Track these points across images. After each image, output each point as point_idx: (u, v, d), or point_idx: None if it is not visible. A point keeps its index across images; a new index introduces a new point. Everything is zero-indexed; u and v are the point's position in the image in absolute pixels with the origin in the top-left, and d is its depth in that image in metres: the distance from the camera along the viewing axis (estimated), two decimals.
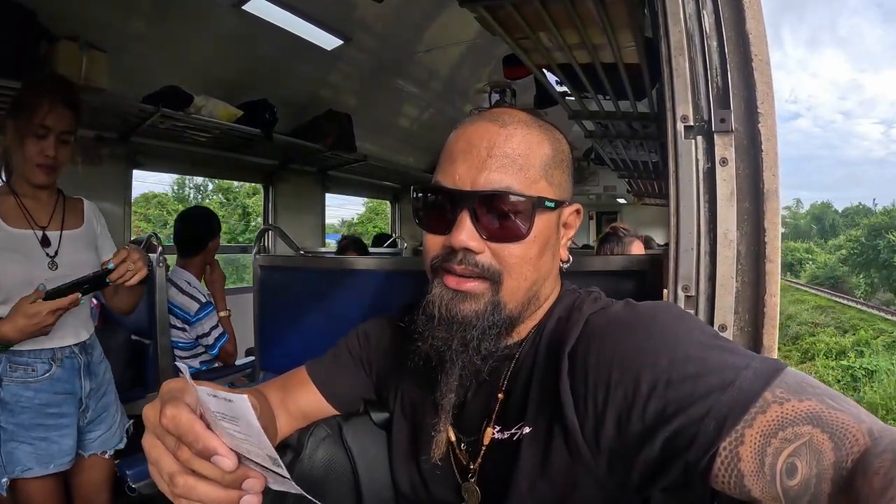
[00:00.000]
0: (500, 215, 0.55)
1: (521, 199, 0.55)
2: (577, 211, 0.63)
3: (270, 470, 0.38)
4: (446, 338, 0.56)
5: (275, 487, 0.41)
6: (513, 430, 0.58)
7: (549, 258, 0.60)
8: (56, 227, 1.23)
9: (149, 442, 0.41)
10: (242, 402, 0.35)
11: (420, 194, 0.60)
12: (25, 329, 1.05)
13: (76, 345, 1.26)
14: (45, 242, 1.20)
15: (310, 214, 3.82)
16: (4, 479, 1.15)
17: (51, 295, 1.06)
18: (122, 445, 1.38)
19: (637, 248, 1.82)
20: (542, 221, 0.57)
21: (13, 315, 1.05)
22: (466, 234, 0.54)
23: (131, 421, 1.46)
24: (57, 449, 1.20)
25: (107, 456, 1.34)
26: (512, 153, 0.56)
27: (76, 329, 1.26)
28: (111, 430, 1.36)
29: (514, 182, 0.55)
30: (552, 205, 0.57)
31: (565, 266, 0.65)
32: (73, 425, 1.25)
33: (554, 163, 0.59)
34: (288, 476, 0.38)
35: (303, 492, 0.39)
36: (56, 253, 1.20)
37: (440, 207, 0.57)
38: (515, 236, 0.55)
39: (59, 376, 1.22)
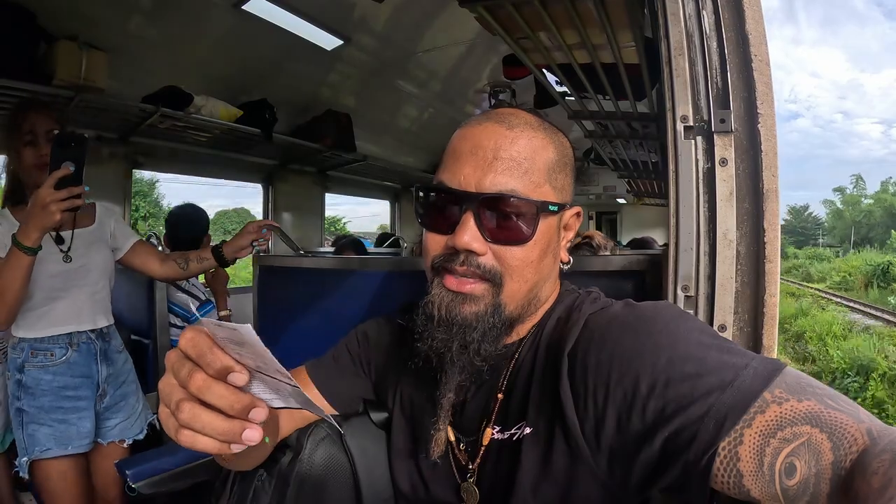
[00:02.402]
0: (504, 218, 0.55)
1: (526, 202, 0.55)
2: (578, 213, 0.64)
3: (282, 382, 0.39)
4: (446, 339, 0.56)
5: (278, 406, 0.42)
6: (513, 431, 0.58)
7: (550, 260, 0.60)
8: (69, 227, 1.33)
9: (164, 380, 0.41)
10: (246, 330, 0.37)
11: (423, 193, 0.59)
12: (37, 218, 1.08)
13: (93, 331, 1.35)
14: (58, 240, 1.30)
15: (309, 214, 3.81)
16: (25, 459, 1.23)
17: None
18: (141, 436, 1.45)
19: None
20: (544, 225, 0.57)
21: (26, 215, 1.11)
22: (470, 235, 0.54)
23: (155, 415, 1.51)
24: (75, 431, 1.29)
25: (125, 445, 1.42)
26: (518, 156, 0.56)
27: (94, 315, 1.36)
28: (130, 420, 1.43)
29: (519, 185, 0.55)
30: (555, 208, 0.57)
31: (566, 267, 0.65)
32: (90, 408, 1.33)
33: (558, 166, 0.59)
34: (297, 385, 0.39)
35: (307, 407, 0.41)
36: (69, 248, 1.31)
37: (443, 207, 0.57)
38: (519, 239, 0.55)
39: (76, 360, 1.31)
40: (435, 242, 0.58)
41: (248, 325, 0.37)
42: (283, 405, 0.42)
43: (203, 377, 0.38)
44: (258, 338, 0.37)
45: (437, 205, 0.58)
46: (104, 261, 1.38)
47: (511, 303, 0.57)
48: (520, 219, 0.55)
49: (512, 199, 0.55)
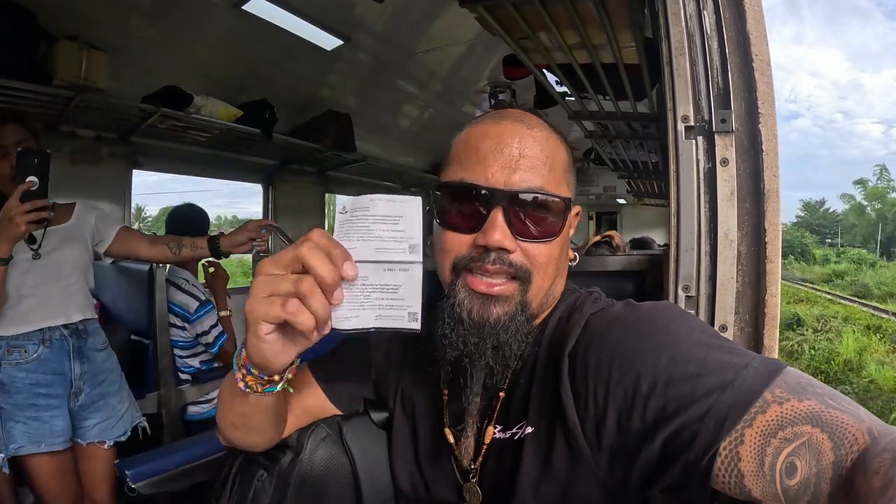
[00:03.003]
0: (534, 214, 0.55)
1: (555, 199, 0.56)
2: (578, 213, 0.65)
3: (400, 262, 0.47)
4: (478, 342, 0.55)
5: (348, 326, 0.47)
6: (514, 430, 0.58)
7: (565, 257, 0.62)
8: (41, 227, 1.34)
9: (261, 278, 0.46)
10: (417, 200, 0.47)
11: (446, 192, 0.58)
12: (5, 230, 1.17)
13: (66, 327, 1.35)
14: (30, 240, 1.32)
15: (309, 214, 3.81)
16: (2, 456, 1.25)
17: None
18: (123, 438, 1.43)
19: None
20: (567, 221, 0.58)
21: None
22: (501, 232, 0.54)
23: (144, 418, 1.51)
24: (48, 429, 1.29)
25: (106, 446, 1.40)
26: (542, 155, 0.57)
27: (67, 309, 1.35)
28: (110, 420, 1.41)
29: (545, 183, 0.56)
30: (569, 205, 0.59)
31: (573, 264, 0.66)
32: (63, 406, 1.33)
33: (569, 166, 0.61)
34: (420, 262, 0.48)
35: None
36: (39, 246, 1.33)
37: (468, 206, 0.56)
38: (548, 235, 0.56)
39: (48, 356, 1.32)
40: (458, 242, 0.57)
41: (419, 198, 0.47)
42: (355, 326, 0.48)
43: (320, 254, 0.44)
44: (420, 209, 0.47)
45: (460, 203, 0.57)
46: (78, 257, 1.39)
47: (535, 299, 0.58)
48: (549, 215, 0.56)
49: (543, 196, 0.55)
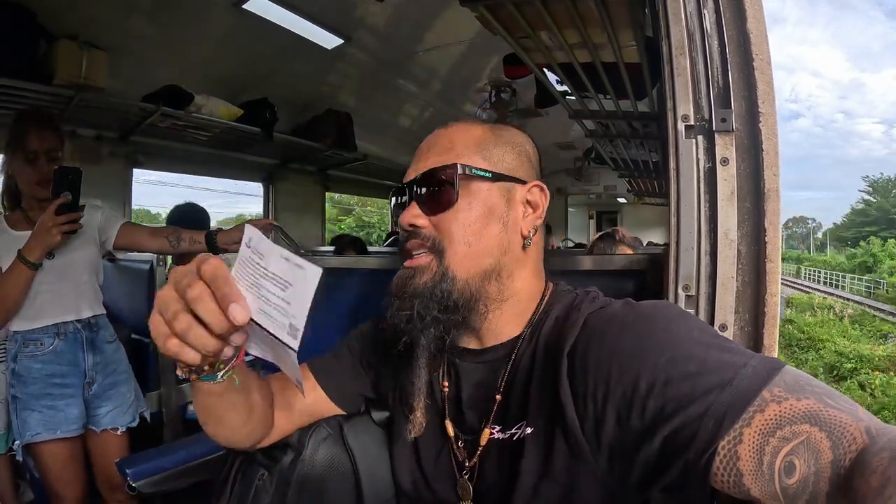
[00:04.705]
0: (432, 190, 0.61)
1: (442, 169, 0.61)
2: (540, 188, 0.64)
3: (279, 340, 0.40)
4: (400, 311, 0.60)
5: (254, 352, 0.44)
6: (513, 430, 0.58)
7: (499, 229, 0.61)
8: (72, 234, 1.40)
9: (164, 291, 0.43)
10: (314, 272, 0.38)
11: (393, 197, 0.68)
12: (40, 236, 1.26)
13: (78, 321, 1.43)
14: None
15: (310, 214, 3.82)
16: (18, 443, 1.34)
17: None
18: (134, 424, 1.52)
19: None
20: (475, 189, 0.61)
21: (33, 236, 1.28)
22: (409, 213, 0.62)
23: (147, 407, 1.58)
24: (63, 416, 1.37)
25: (119, 433, 1.48)
26: (443, 142, 0.64)
27: (77, 305, 1.43)
28: (121, 408, 1.49)
29: (443, 160, 0.62)
30: (486, 174, 0.61)
31: (526, 243, 0.63)
32: (77, 395, 1.42)
33: (490, 143, 0.63)
34: (295, 350, 0.40)
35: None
36: None
37: (401, 201, 0.65)
38: (446, 204, 0.60)
39: (63, 349, 1.40)
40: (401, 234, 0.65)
41: (320, 269, 0.38)
42: (268, 358, 0.44)
43: (202, 288, 0.41)
44: (315, 287, 0.38)
45: (399, 201, 0.66)
46: (88, 256, 1.47)
47: (459, 269, 0.59)
48: (443, 186, 0.61)
49: (432, 171, 0.61)
